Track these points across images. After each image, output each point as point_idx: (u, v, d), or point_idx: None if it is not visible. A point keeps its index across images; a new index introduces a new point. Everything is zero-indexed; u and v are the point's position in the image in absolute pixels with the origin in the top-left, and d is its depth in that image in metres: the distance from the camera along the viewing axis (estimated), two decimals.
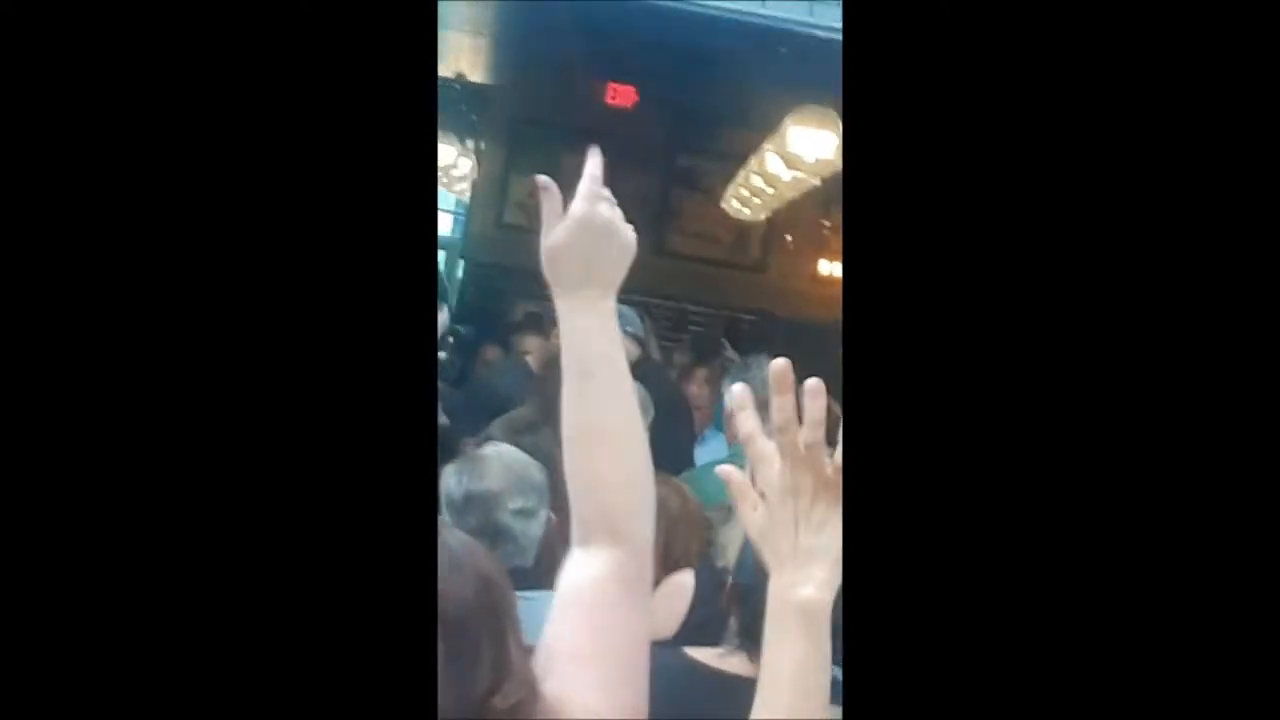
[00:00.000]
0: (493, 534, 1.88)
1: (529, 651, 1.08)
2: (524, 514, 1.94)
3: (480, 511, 1.90)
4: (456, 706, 0.99)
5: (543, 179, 1.20)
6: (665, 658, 1.59)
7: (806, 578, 1.02)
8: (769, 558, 1.04)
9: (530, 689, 1.04)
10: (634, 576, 1.16)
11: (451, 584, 1.01)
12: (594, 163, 1.21)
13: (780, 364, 1.04)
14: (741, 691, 1.08)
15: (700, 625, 2.00)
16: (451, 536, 1.09)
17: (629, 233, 1.21)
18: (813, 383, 1.02)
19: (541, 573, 1.86)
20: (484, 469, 1.95)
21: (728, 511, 2.20)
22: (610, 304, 1.18)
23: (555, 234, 1.17)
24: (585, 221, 1.17)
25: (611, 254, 1.19)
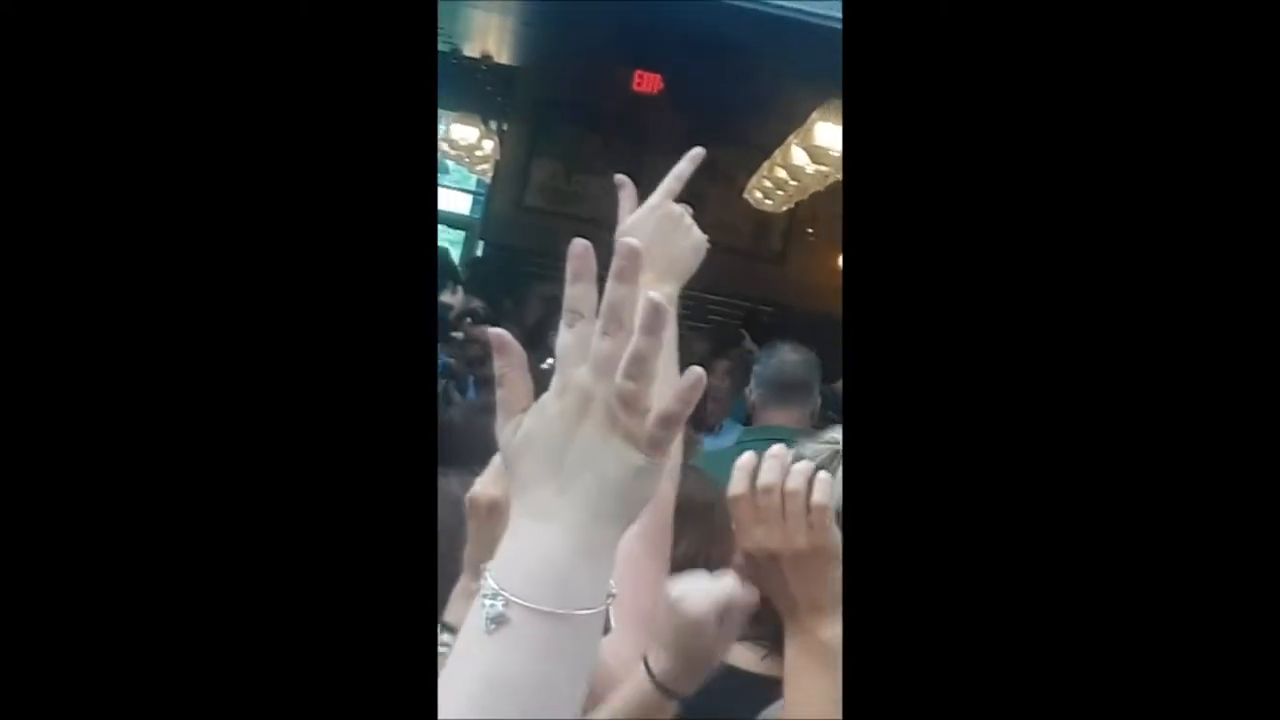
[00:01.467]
0: None
1: None
2: None
3: None
4: None
5: (620, 177, 1.25)
6: None
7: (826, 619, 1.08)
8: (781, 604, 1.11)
9: None
10: (656, 531, 1.19)
11: None
12: (684, 165, 1.26)
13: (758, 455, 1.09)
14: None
15: None
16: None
17: (699, 233, 1.25)
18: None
19: None
20: None
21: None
22: (669, 290, 1.22)
23: (627, 222, 1.23)
24: (656, 211, 1.22)
25: (679, 247, 1.24)
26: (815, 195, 6.68)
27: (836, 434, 1.98)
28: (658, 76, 6.51)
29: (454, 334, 3.87)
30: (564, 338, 0.75)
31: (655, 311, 0.71)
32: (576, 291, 0.75)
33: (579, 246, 0.75)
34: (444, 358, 3.55)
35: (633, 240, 0.73)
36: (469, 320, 4.30)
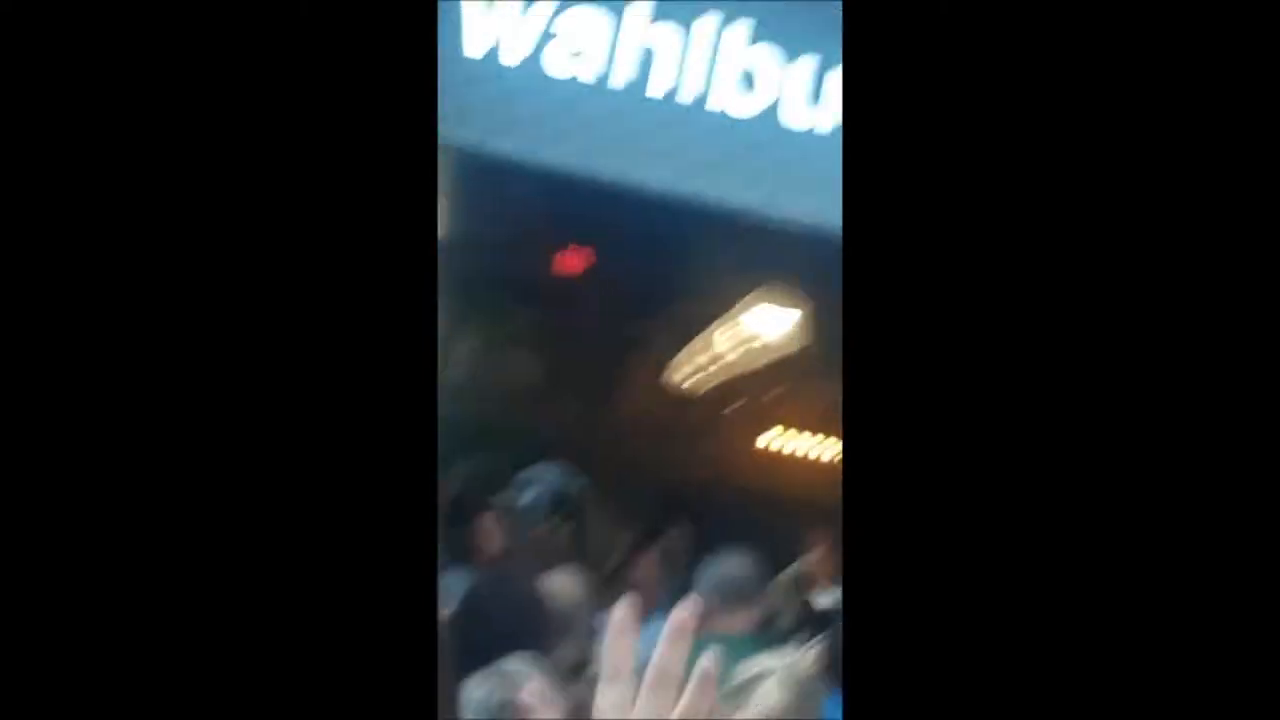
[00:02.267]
0: None
1: None
2: None
3: None
4: None
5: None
6: None
7: None
8: None
9: None
10: None
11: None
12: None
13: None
14: None
15: None
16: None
17: None
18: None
19: None
20: (513, 682, 1.92)
21: None
22: None
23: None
24: None
25: None
26: (741, 377, 6.76)
27: (770, 660, 1.97)
28: (583, 256, 6.59)
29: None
30: (604, 695, 0.77)
31: (708, 677, 0.76)
32: (617, 651, 0.77)
33: (621, 612, 0.77)
34: None
35: (686, 613, 0.77)
36: None
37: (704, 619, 3.04)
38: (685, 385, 7.77)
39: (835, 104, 3.48)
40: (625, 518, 5.48)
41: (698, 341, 6.63)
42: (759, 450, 8.07)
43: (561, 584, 2.95)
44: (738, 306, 5.19)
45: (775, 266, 4.76)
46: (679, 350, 7.34)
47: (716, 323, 5.81)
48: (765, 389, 7.53)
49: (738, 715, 1.96)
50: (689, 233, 4.64)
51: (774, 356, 5.49)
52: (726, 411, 8.22)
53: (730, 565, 3.10)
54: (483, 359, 8.26)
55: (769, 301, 4.90)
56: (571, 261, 6.66)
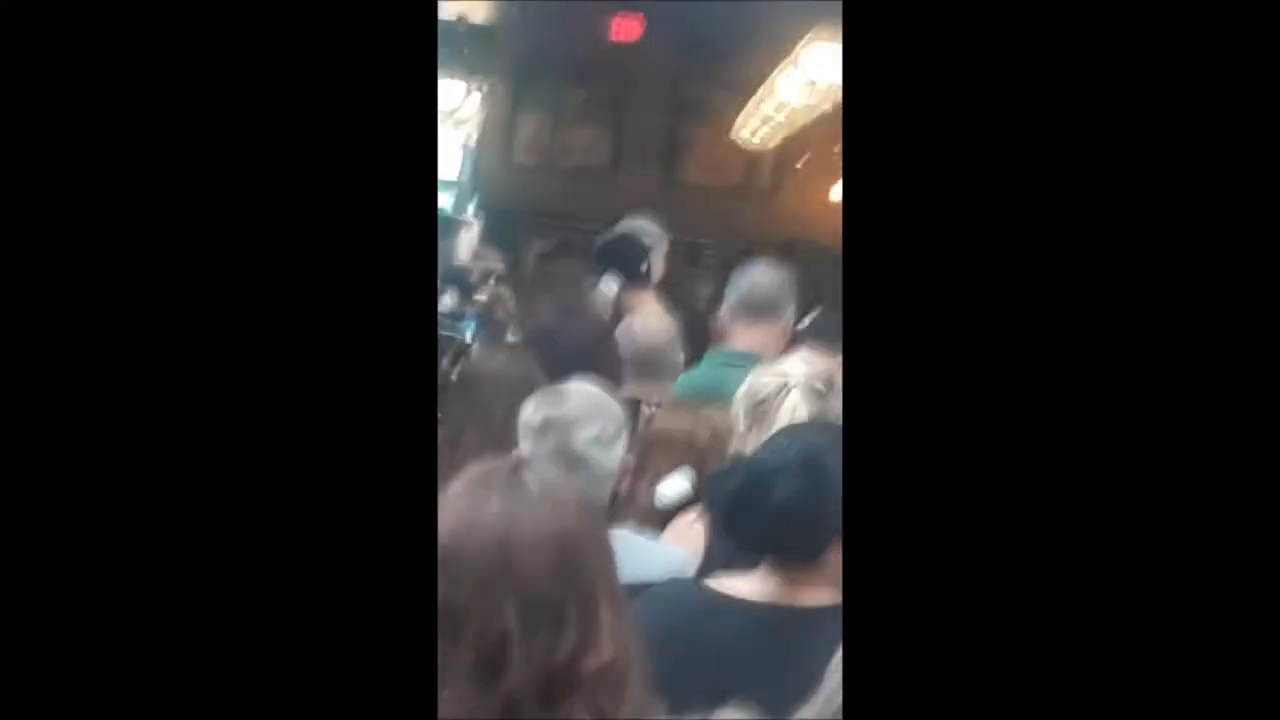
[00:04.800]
0: (569, 460, 1.87)
1: (624, 607, 1.11)
2: (600, 442, 1.90)
3: (556, 437, 1.88)
4: (542, 673, 1.02)
5: None
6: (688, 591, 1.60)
7: None
8: None
9: (624, 647, 1.07)
10: None
11: (528, 550, 1.04)
12: None
13: None
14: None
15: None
16: (535, 486, 1.10)
17: None
18: None
19: (617, 509, 1.94)
20: (563, 398, 1.94)
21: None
22: None
23: None
24: None
25: None
26: (804, 128, 6.64)
27: (788, 366, 2.01)
28: (637, 21, 6.44)
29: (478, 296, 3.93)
30: None
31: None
32: None
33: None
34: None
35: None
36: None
37: (727, 329, 2.91)
38: (751, 142, 7.67)
39: None
40: (701, 279, 5.50)
41: (760, 93, 6.50)
42: (832, 202, 7.99)
43: (646, 322, 2.97)
44: (796, 51, 5.06)
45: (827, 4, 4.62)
46: (741, 108, 7.22)
47: (777, 72, 5.69)
48: (835, 135, 7.40)
49: (766, 430, 1.92)
50: None
51: (838, 97, 5.37)
52: (798, 166, 8.12)
53: (757, 276, 2.92)
54: (550, 138, 8.22)
55: (824, 39, 4.73)
56: (622, 32, 6.52)
